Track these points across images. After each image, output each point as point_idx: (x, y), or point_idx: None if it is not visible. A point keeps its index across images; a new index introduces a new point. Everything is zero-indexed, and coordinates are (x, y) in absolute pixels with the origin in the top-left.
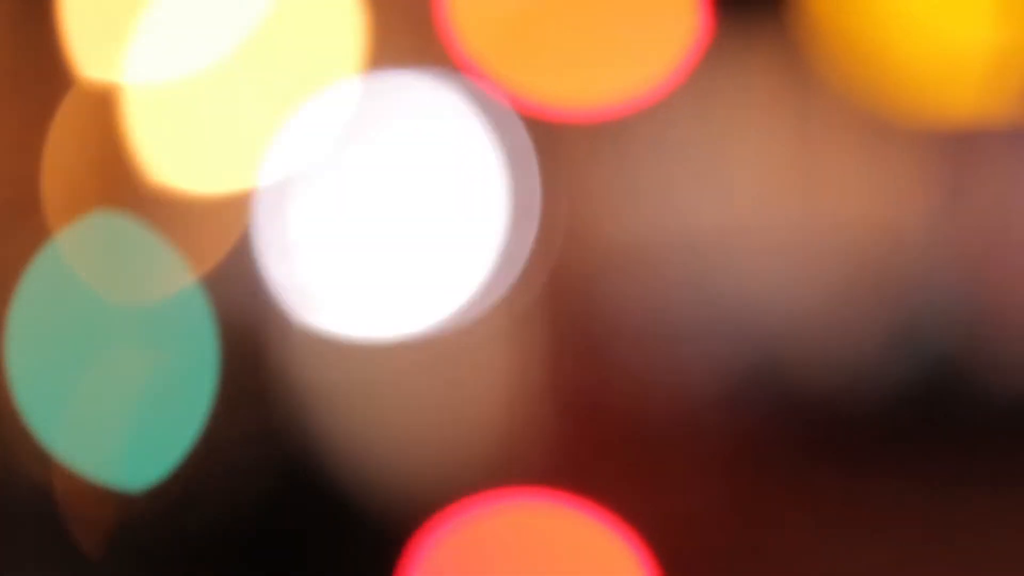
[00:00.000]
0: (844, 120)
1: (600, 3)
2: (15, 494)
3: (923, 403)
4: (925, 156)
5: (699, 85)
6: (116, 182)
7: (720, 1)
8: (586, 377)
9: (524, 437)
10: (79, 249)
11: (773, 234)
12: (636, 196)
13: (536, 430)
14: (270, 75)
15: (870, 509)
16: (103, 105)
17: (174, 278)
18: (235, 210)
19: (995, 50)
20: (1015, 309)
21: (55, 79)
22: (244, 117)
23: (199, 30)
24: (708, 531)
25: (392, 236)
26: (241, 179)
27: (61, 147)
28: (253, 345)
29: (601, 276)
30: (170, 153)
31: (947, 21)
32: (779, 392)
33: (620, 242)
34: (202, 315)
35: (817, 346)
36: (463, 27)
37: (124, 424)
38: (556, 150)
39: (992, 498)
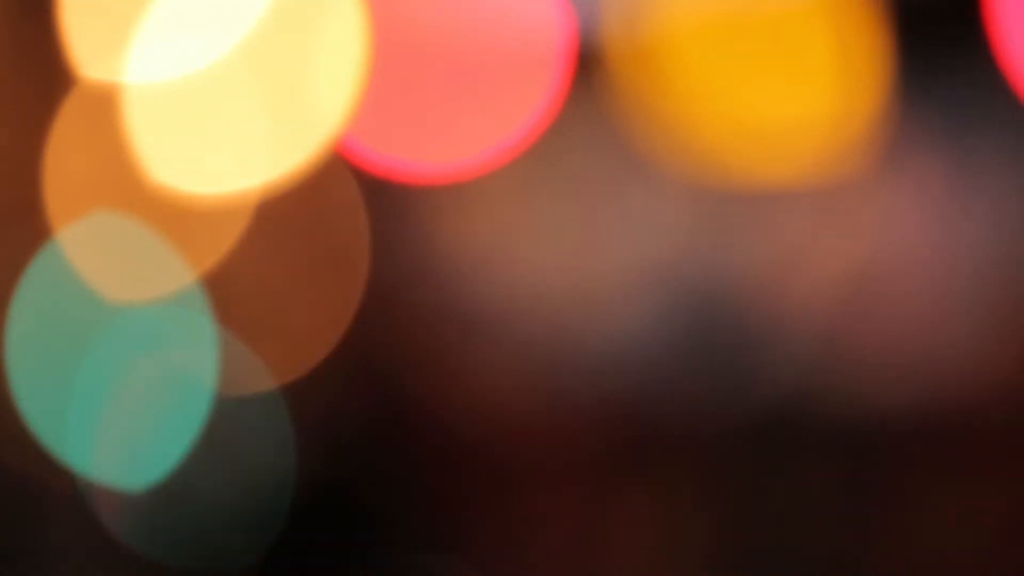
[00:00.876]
0: (681, 180)
1: (448, 65)
2: (15, 494)
3: (765, 432)
4: (754, 211)
5: (543, 150)
6: (116, 182)
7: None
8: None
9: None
10: (79, 249)
11: (618, 281)
12: (478, 252)
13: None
14: (270, 75)
15: (711, 529)
16: (103, 105)
17: (174, 278)
18: (235, 210)
19: (807, 115)
20: (845, 350)
21: (55, 79)
22: (244, 117)
23: (199, 30)
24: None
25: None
26: (241, 179)
27: (62, 147)
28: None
29: (449, 322)
30: (170, 153)
31: (760, 89)
32: (630, 420)
33: (467, 296)
34: (202, 315)
35: (666, 380)
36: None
37: (124, 424)
38: (399, 208)
39: (834, 522)
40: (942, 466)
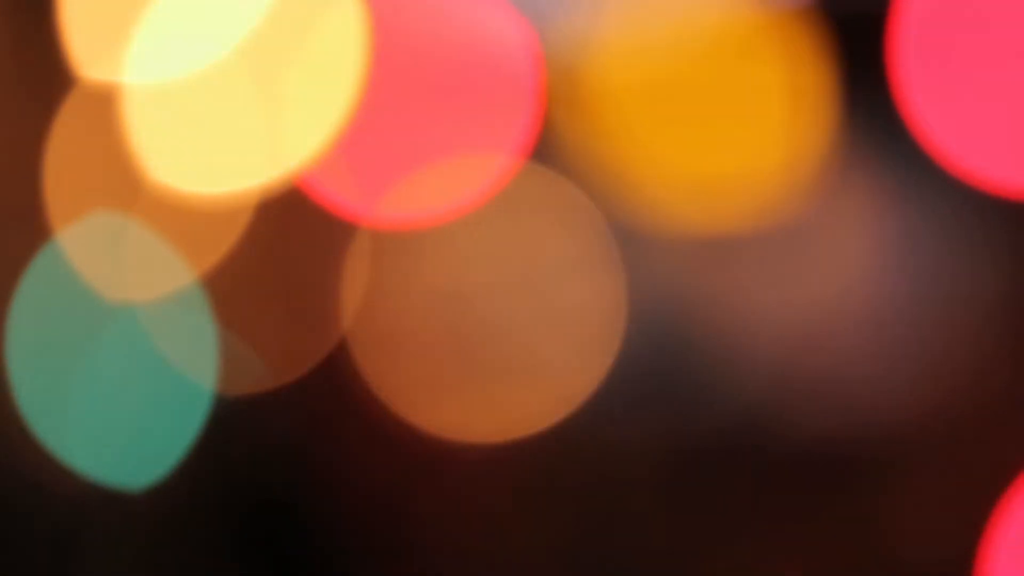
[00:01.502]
0: (632, 223)
1: (410, 114)
2: (15, 494)
3: (718, 457)
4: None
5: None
6: (116, 182)
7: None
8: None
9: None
10: (79, 249)
11: (576, 316)
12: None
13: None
14: (270, 75)
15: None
16: (103, 105)
17: (174, 278)
18: (235, 210)
19: (754, 161)
20: (794, 382)
21: (55, 79)
22: (244, 117)
23: (199, 30)
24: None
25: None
26: (241, 179)
27: (62, 147)
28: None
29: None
30: (170, 153)
31: (706, 137)
32: (588, 445)
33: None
34: (202, 315)
35: (624, 409)
36: None
37: (124, 424)
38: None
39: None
40: (887, 490)
